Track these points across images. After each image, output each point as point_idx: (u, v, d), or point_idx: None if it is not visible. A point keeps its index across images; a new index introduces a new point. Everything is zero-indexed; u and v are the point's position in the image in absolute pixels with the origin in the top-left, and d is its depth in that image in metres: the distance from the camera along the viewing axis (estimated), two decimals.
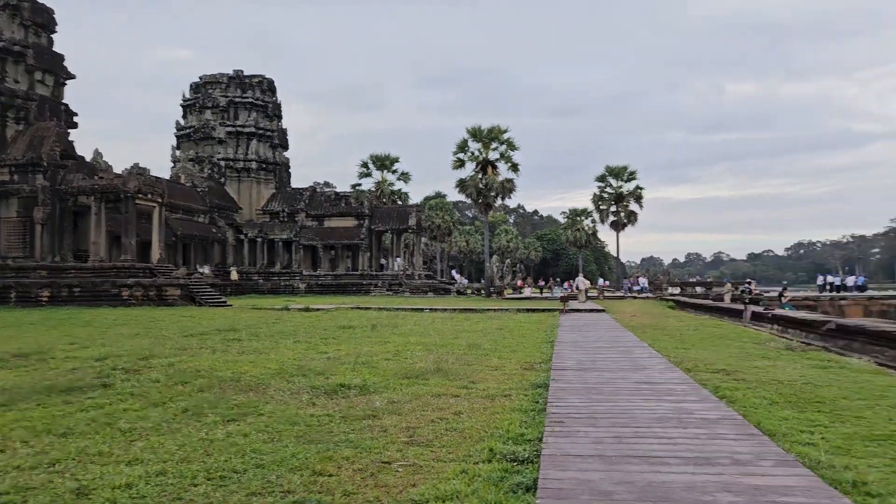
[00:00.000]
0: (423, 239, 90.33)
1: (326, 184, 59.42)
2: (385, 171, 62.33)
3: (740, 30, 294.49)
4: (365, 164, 61.94)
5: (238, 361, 11.22)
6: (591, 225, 79.13)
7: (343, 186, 60.21)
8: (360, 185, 61.53)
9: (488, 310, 28.00)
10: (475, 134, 48.96)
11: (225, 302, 32.18)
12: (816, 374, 10.31)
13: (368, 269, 53.15)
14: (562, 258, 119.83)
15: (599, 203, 64.97)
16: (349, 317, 23.47)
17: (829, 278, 55.93)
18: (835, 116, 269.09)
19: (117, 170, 36.74)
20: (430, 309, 28.21)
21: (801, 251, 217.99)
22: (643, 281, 59.06)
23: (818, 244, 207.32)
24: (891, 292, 52.33)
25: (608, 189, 64.36)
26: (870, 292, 51.60)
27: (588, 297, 43.35)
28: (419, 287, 50.75)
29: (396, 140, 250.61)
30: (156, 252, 33.84)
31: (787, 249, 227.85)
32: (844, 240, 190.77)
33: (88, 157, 35.81)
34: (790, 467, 4.86)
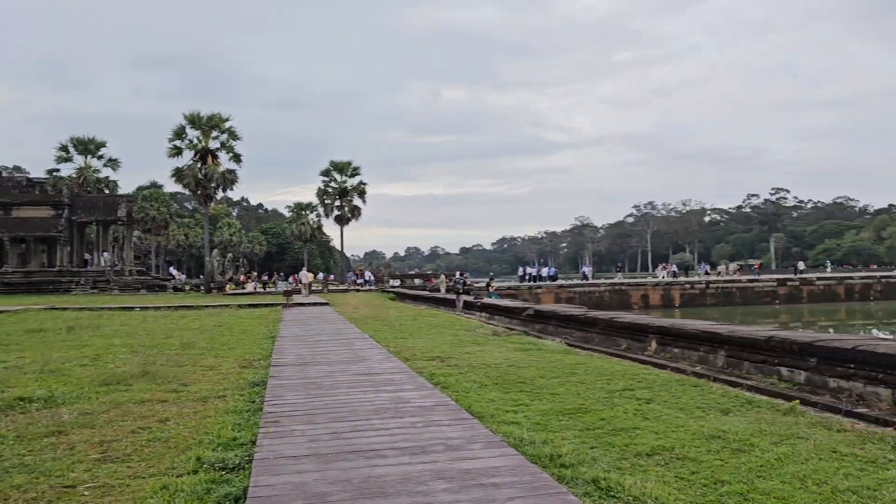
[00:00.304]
0: (136, 232, 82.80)
1: (17, 168, 51.49)
2: (89, 157, 55.81)
3: (455, 41, 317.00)
4: (65, 148, 54.83)
5: None
6: (316, 219, 79.04)
7: (41, 173, 52.61)
8: (58, 170, 54.38)
9: (207, 306, 26.46)
10: (194, 121, 46.05)
11: None
12: (519, 356, 11.25)
13: (69, 264, 47.21)
14: (287, 252, 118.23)
15: (324, 197, 65.18)
16: (40, 319, 20.53)
17: (528, 270, 62.38)
18: (531, 126, 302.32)
19: None
20: (141, 307, 25.86)
21: (505, 245, 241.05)
22: (368, 274, 60.58)
23: (518, 239, 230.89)
24: (575, 281, 59.90)
25: (332, 184, 64.81)
26: (560, 281, 58.58)
27: (312, 291, 43.23)
28: (130, 284, 46.40)
29: (107, 124, 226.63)
30: None
31: (493, 244, 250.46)
32: (539, 235, 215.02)
33: None
34: (497, 448, 5.11)
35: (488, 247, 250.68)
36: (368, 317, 21.22)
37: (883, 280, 57.36)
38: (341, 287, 55.17)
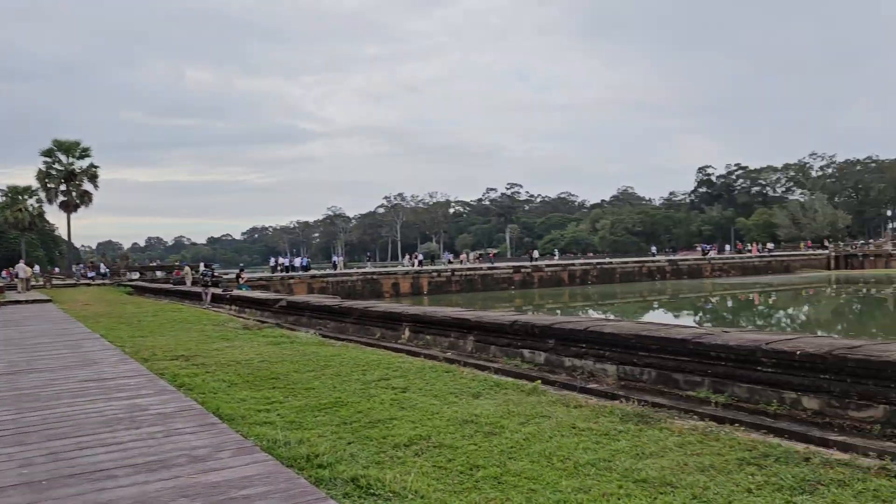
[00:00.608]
0: None
1: None
2: None
3: (199, 18, 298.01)
4: None
5: None
6: (36, 205, 69.84)
7: None
8: None
9: None
10: None
11: None
12: (271, 350, 10.77)
13: None
14: (1, 243, 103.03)
15: (47, 181, 57.82)
16: None
17: (280, 260, 61.04)
18: (283, 114, 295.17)
19: None
20: None
21: (256, 235, 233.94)
22: (103, 267, 54.99)
23: (270, 229, 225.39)
24: (328, 271, 59.90)
25: (57, 166, 57.73)
26: (312, 271, 58.12)
27: (32, 286, 38.13)
28: None
29: None
30: None
31: (243, 234, 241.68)
32: (292, 225, 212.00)
33: None
34: (249, 454, 4.72)
35: (238, 237, 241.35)
36: (101, 314, 19.11)
37: (598, 266, 65.15)
38: (69, 281, 49.36)
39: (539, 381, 7.45)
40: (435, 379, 8.11)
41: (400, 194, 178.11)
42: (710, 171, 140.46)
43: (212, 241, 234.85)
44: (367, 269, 62.52)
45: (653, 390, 7.03)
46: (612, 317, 40.33)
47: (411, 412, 6.55)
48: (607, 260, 70.37)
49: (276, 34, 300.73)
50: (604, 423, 5.96)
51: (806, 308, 45.31)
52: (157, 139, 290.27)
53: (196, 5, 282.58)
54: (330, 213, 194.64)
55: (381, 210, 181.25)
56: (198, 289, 24.67)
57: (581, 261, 70.46)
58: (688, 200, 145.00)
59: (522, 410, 6.45)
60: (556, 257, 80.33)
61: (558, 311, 44.95)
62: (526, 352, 8.75)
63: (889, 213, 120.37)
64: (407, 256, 76.77)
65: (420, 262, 65.56)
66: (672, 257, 74.36)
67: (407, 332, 11.21)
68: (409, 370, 8.69)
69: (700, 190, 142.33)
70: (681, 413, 6.26)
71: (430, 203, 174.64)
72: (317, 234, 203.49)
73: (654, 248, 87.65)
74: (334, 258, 67.43)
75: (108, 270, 53.36)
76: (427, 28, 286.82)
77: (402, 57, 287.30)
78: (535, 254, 79.67)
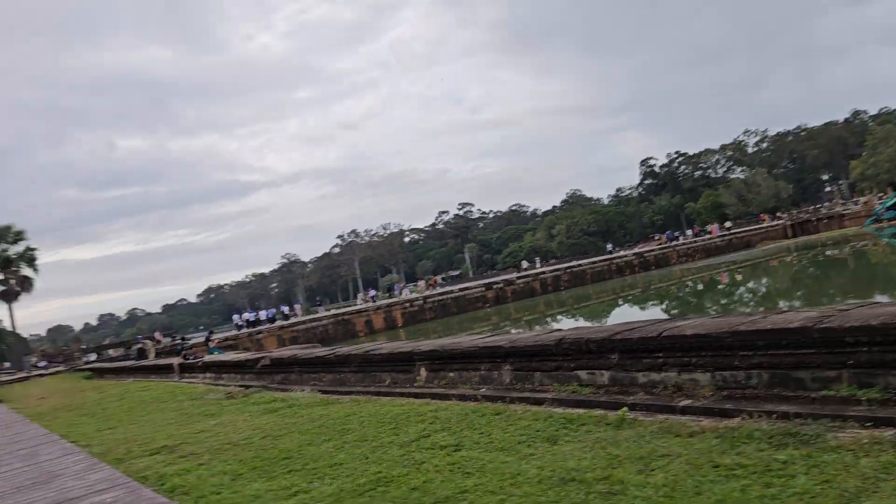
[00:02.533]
0: None
1: None
2: None
3: (124, 86, 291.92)
4: None
5: None
6: None
7: None
8: None
9: None
10: None
11: None
12: (270, 421, 9.08)
13: None
14: None
15: None
16: None
17: (245, 315, 58.50)
18: (222, 169, 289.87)
19: None
20: None
21: (212, 295, 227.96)
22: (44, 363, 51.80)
23: (226, 286, 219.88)
24: (293, 320, 57.57)
25: None
26: (280, 322, 55.70)
27: None
28: None
29: None
30: None
31: (199, 296, 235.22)
32: (248, 279, 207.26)
33: None
34: None
35: (194, 300, 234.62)
36: (59, 407, 16.99)
37: (568, 270, 64.26)
38: (20, 375, 46.07)
39: (625, 409, 5.97)
40: (486, 425, 6.57)
41: (353, 231, 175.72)
42: (652, 162, 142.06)
43: (167, 307, 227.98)
44: (334, 311, 60.40)
45: (769, 397, 5.61)
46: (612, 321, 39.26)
47: (482, 478, 5.01)
48: (576, 263, 69.56)
49: (204, 91, 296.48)
50: (751, 453, 4.48)
51: (778, 279, 45.13)
52: (97, 213, 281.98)
53: (119, 72, 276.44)
54: (285, 260, 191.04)
55: (337, 250, 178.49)
56: (165, 361, 22.58)
57: (551, 268, 69.43)
58: (636, 194, 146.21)
59: (627, 452, 4.96)
60: (538, 265, 78.87)
61: (539, 325, 43.81)
62: (582, 373, 7.27)
63: (825, 177, 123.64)
64: (360, 295, 74.88)
65: (373, 298, 63.53)
66: (638, 250, 74.03)
67: (423, 372, 9.62)
68: (448, 419, 7.12)
69: (646, 182, 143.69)
70: (832, 422, 4.85)
71: (385, 235, 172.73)
72: (275, 284, 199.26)
73: (609, 246, 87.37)
74: (282, 308, 64.62)
75: (50, 362, 50.26)
76: (355, 65, 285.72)
77: (335, 96, 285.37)
78: (525, 264, 78.35)
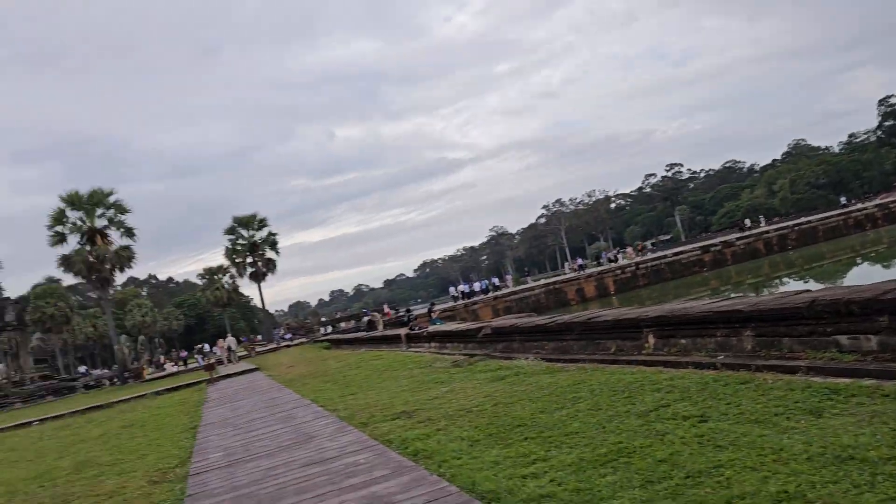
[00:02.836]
0: (36, 334, 76.41)
1: None
2: None
3: (338, 80, 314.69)
4: None
5: None
6: (230, 281, 75.15)
7: None
8: None
9: (119, 402, 23.22)
10: (73, 201, 42.09)
11: None
12: (498, 388, 9.20)
13: None
14: (207, 321, 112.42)
15: (234, 256, 61.55)
16: None
17: (460, 287, 60.62)
18: (429, 149, 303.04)
19: None
20: (40, 420, 22.39)
21: (428, 270, 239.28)
22: (280, 330, 57.43)
23: (439, 261, 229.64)
24: (505, 290, 58.51)
25: (240, 241, 61.34)
26: (494, 293, 56.94)
27: (239, 358, 40.00)
28: (33, 393, 41.71)
29: None
30: None
31: (415, 270, 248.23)
32: (459, 253, 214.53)
33: None
34: None
35: (411, 274, 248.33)
36: (306, 375, 18.72)
37: (796, 228, 58.59)
38: (270, 346, 51.76)
39: None
40: (732, 395, 6.07)
41: (558, 200, 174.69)
42: (893, 101, 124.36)
43: (388, 283, 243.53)
44: (544, 281, 60.55)
45: None
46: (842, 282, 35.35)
47: (737, 452, 4.60)
48: (804, 219, 63.23)
49: (410, 76, 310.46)
50: None
51: None
52: (322, 199, 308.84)
53: (333, 68, 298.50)
54: (493, 233, 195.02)
55: (543, 220, 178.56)
56: (393, 332, 24.04)
57: (775, 226, 63.74)
58: (874, 139, 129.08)
59: None
60: (763, 223, 72.69)
61: (766, 290, 40.53)
62: (843, 338, 6.46)
63: None
64: (567, 264, 73.78)
65: (581, 267, 62.19)
66: (880, 201, 65.51)
67: (651, 339, 9.19)
68: (686, 388, 6.70)
69: (886, 124, 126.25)
70: None
71: (590, 202, 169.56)
72: (484, 257, 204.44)
73: (843, 198, 77.84)
74: (493, 280, 65.44)
75: (289, 336, 55.61)
76: (551, 32, 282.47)
77: (533, 66, 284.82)
78: (747, 222, 72.92)
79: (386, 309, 51.79)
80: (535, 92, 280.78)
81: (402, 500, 4.76)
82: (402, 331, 22.35)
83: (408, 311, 23.13)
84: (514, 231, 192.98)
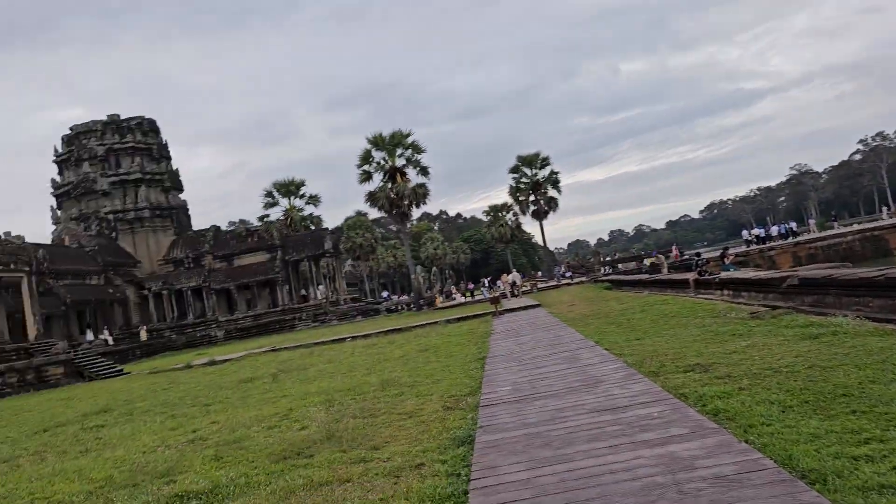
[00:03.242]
0: (348, 261, 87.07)
1: (243, 222, 55.62)
2: (292, 198, 58.84)
3: (624, 11, 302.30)
4: (269, 194, 58.24)
5: (59, 474, 8.17)
6: (513, 219, 77.69)
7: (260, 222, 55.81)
8: (267, 216, 57.88)
9: (416, 326, 25.36)
10: (377, 142, 46.22)
11: (120, 371, 28.36)
12: (812, 348, 8.09)
13: (289, 302, 49.65)
14: (491, 256, 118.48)
15: (517, 194, 63.19)
16: (256, 365, 20.39)
17: (755, 231, 55.70)
18: (722, 80, 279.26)
19: None
20: (352, 337, 25.37)
21: (715, 211, 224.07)
22: (560, 268, 57.73)
23: (729, 202, 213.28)
24: (807, 236, 52.29)
25: (523, 179, 62.69)
26: (792, 239, 51.29)
27: (522, 293, 41.32)
28: (346, 313, 47.65)
29: (313, 167, 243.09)
30: (31, 328, 29.65)
31: (701, 212, 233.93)
32: (752, 194, 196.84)
33: None
34: None
35: (696, 216, 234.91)
36: (588, 315, 18.59)
37: None
38: (550, 283, 52.76)
39: None
40: None
41: (879, 133, 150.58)
42: None
43: (670, 224, 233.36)
44: (858, 227, 52.92)
45: None
46: None
47: None
48: None
49: (701, 1, 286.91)
50: None
51: None
52: (604, 137, 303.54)
53: (617, 1, 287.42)
54: (794, 171, 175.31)
55: (858, 157, 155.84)
56: (680, 276, 22.82)
57: None
58: None
59: None
60: None
61: None
62: None
63: None
64: (886, 209, 63.25)
65: None
66: None
67: None
68: None
69: None
70: None
71: None
72: (782, 198, 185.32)
73: None
74: (790, 224, 58.48)
75: (569, 273, 55.74)
76: None
77: None
78: None
79: (674, 251, 49.51)
80: (855, 6, 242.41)
81: (706, 465, 4.30)
82: (690, 275, 21.05)
83: (697, 254, 21.63)
84: (819, 170, 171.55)
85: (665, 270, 31.83)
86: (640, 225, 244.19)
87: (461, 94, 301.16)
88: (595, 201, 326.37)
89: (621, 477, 4.35)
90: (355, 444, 7.21)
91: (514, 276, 42.60)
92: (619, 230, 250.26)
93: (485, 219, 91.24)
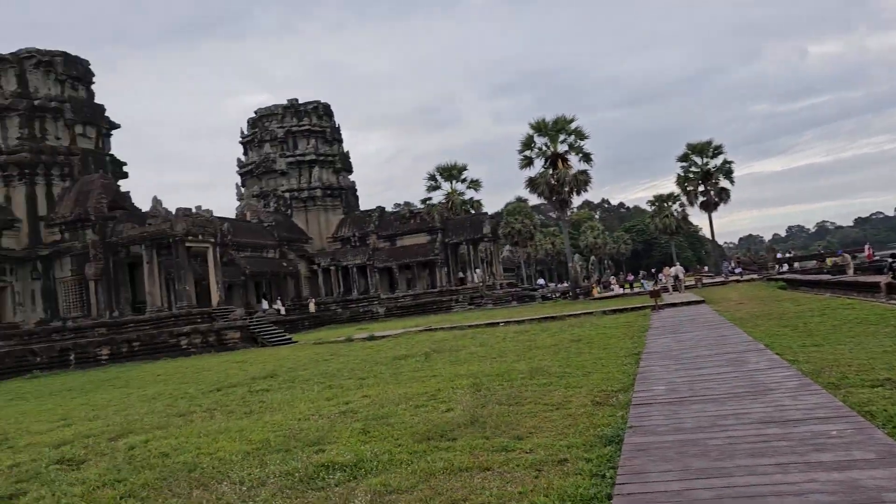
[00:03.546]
0: (506, 246, 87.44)
1: (407, 204, 57.50)
2: (454, 182, 59.88)
3: None
4: (432, 177, 59.69)
5: (224, 432, 8.74)
6: (679, 209, 74.21)
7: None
8: (429, 198, 59.37)
9: (570, 315, 24.84)
10: (540, 128, 45.74)
11: (289, 339, 30.26)
12: None
13: (447, 284, 50.64)
14: (654, 248, 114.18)
15: (685, 184, 60.03)
16: (411, 343, 20.90)
17: None
18: None
19: None
20: (505, 322, 25.32)
21: None
22: (728, 263, 54.07)
23: None
24: None
25: (693, 168, 59.45)
26: None
27: (684, 287, 39.33)
28: (501, 297, 47.80)
29: (474, 152, 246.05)
30: (214, 295, 32.36)
31: None
32: None
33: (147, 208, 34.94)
34: None
35: (892, 213, 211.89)
36: (758, 315, 17.24)
37: None
38: (717, 279, 49.81)
39: None
40: None
41: None
42: None
43: (859, 221, 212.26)
44: None
45: None
46: None
47: None
48: None
49: None
50: None
51: None
52: (785, 125, 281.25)
53: None
54: None
55: None
56: (869, 278, 20.52)
57: None
58: None
59: None
60: None
61: None
62: None
63: None
64: None
65: None
66: None
67: None
68: None
69: None
70: None
71: None
72: None
73: None
74: None
75: (739, 269, 52.07)
76: None
77: None
78: None
79: (867, 250, 44.88)
80: None
81: (891, 490, 3.69)
82: (882, 278, 18.86)
83: (893, 255, 19.26)
84: None
85: (851, 272, 28.83)
86: (823, 221, 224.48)
87: (628, 79, 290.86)
88: (771, 194, 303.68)
89: (789, 502, 3.84)
90: (498, 431, 7.07)
91: (678, 269, 40.55)
92: (799, 226, 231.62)
93: (649, 209, 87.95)
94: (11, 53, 31.92)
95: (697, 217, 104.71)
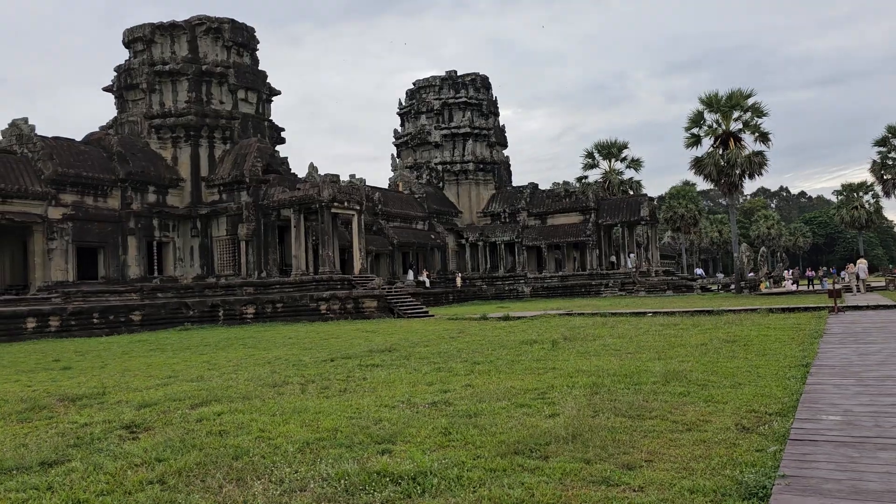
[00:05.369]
0: (667, 232, 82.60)
1: (566, 183, 55.67)
2: (612, 160, 56.98)
3: None
4: (590, 154, 57.17)
5: (300, 413, 7.84)
6: (872, 201, 66.26)
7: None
8: (585, 177, 56.97)
9: (728, 311, 22.14)
10: (711, 103, 41.87)
11: (425, 312, 29.70)
12: None
13: (598, 267, 48.22)
14: (837, 243, 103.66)
15: (882, 172, 53.06)
16: (544, 327, 19.42)
17: None
18: None
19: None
20: (653, 313, 23.09)
21: None
22: None
23: None
24: None
25: (892, 154, 52.42)
26: None
27: (870, 288, 34.56)
28: (656, 285, 44.76)
29: (643, 132, 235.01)
30: (356, 262, 32.45)
31: None
32: None
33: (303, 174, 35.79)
34: None
35: None
36: None
37: None
38: None
39: None
40: None
41: None
42: None
43: None
44: None
45: None
46: None
47: None
48: None
49: None
50: None
51: None
52: None
53: None
54: None
55: None
56: None
57: None
58: None
59: None
60: None
61: None
62: None
63: None
64: None
65: None
66: None
67: None
68: None
69: None
70: None
71: None
72: None
73: None
74: None
75: None
76: None
77: None
78: None
79: None
80: None
81: None
82: None
83: None
84: None
85: None
86: None
87: (822, 57, 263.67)
88: None
89: None
90: (604, 453, 5.55)
91: (861, 266, 35.65)
92: None
93: (834, 199, 79.40)
94: (185, 21, 33.59)
95: (892, 210, 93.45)
